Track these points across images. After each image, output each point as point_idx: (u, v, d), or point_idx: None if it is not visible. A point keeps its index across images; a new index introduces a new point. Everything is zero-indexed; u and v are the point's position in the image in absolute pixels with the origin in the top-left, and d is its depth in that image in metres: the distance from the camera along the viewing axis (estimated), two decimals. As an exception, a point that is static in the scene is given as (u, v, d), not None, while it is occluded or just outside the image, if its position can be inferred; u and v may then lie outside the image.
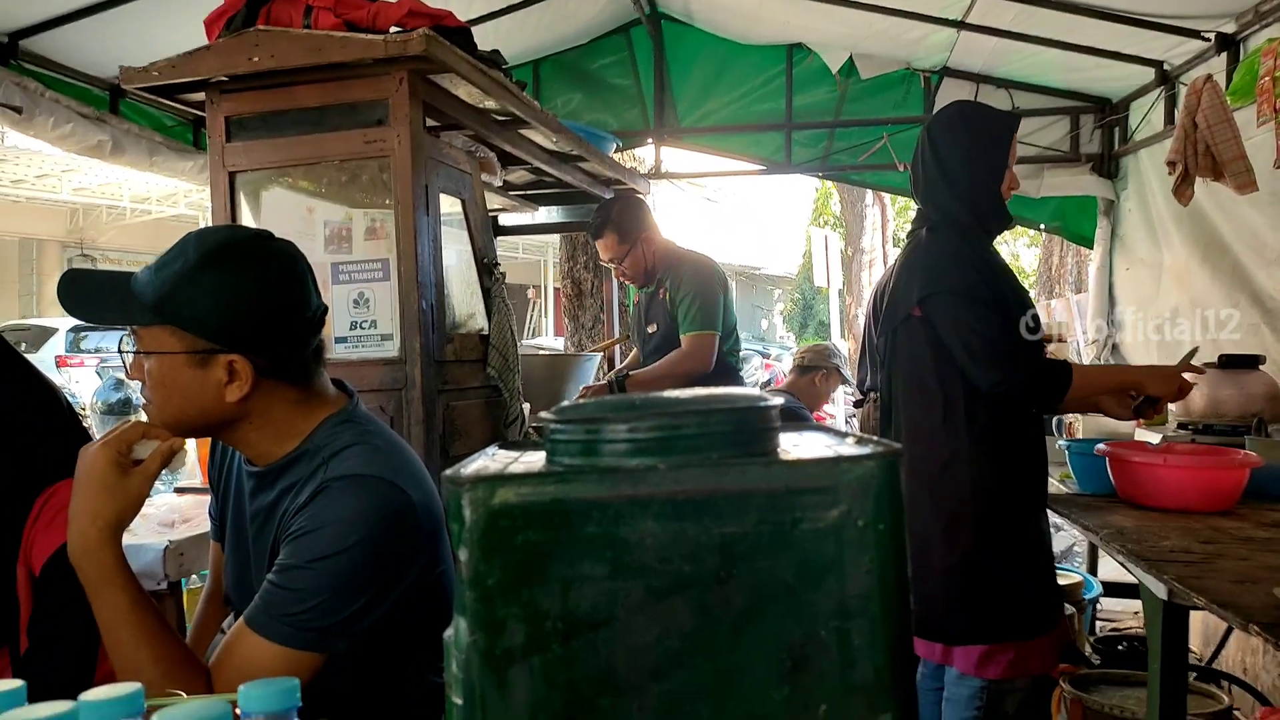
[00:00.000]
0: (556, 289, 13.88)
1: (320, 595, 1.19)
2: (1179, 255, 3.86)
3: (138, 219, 15.33)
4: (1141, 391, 2.00)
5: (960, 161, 2.08)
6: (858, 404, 2.53)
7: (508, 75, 2.68)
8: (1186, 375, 2.02)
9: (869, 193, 9.06)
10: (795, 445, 0.69)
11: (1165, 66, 3.77)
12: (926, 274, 2.05)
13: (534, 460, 0.70)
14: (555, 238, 10.66)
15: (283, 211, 2.52)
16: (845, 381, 4.32)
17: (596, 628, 0.58)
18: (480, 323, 2.80)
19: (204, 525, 2.43)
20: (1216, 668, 3.17)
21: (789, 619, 0.59)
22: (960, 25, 3.90)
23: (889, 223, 9.84)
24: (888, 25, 4.05)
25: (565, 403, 0.74)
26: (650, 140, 4.82)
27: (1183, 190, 2.97)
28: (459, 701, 0.59)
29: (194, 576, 2.39)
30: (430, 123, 2.70)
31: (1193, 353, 2.13)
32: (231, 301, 1.23)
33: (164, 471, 1.35)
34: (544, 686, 0.58)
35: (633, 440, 0.63)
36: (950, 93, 4.46)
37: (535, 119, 2.77)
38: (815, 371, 4.11)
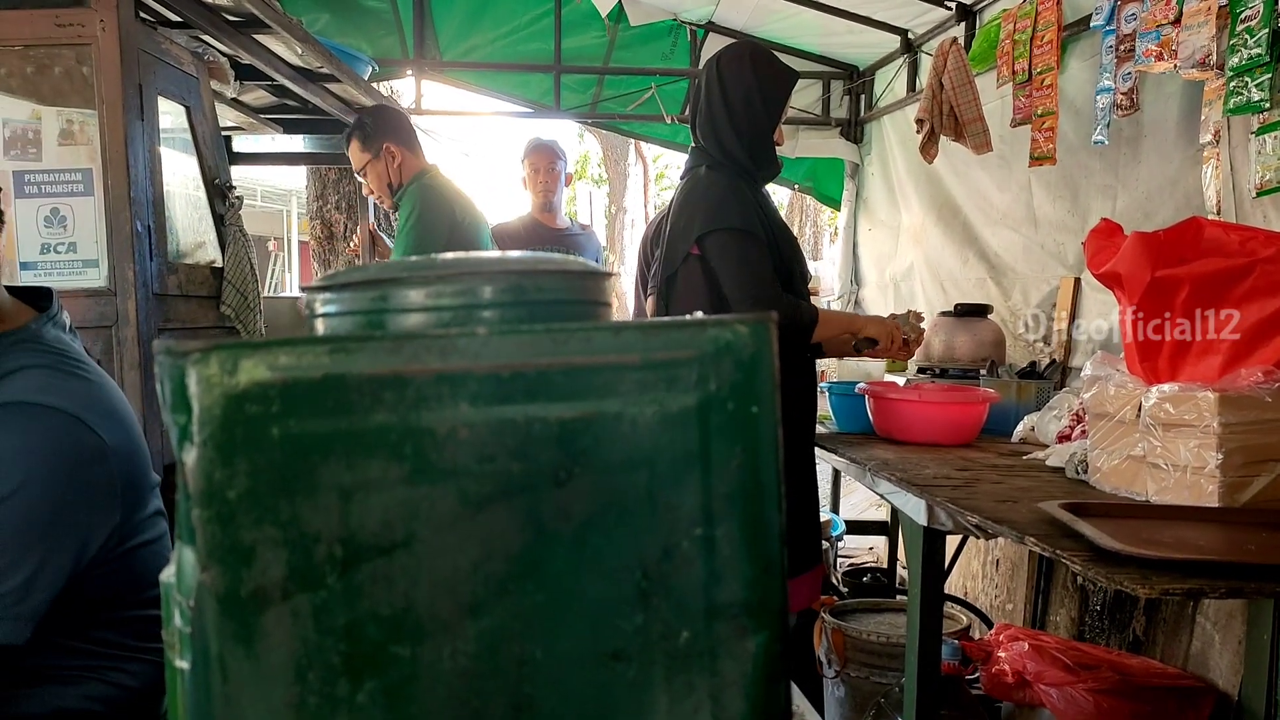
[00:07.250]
0: (302, 242, 12.86)
1: None
2: (916, 216, 4.16)
3: None
4: (860, 334, 2.18)
5: (745, 100, 2.05)
6: None
7: (243, -32, 2.32)
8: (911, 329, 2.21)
9: (632, 151, 9.11)
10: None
11: (910, 35, 4.01)
12: (708, 212, 2.00)
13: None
14: (300, 185, 9.78)
15: (-56, 104, 2.03)
16: None
17: (390, 552, 0.42)
18: (212, 254, 2.44)
19: None
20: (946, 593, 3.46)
21: (643, 529, 0.46)
22: (727, -24, 3.93)
23: (651, 183, 9.99)
24: (657, -30, 4.01)
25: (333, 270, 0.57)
26: (410, 72, 4.48)
27: (928, 148, 3.16)
28: (185, 666, 0.41)
29: None
30: (145, 18, 2.29)
31: (908, 314, 2.28)
32: None
33: None
34: (315, 635, 0.41)
35: (437, 308, 0.48)
36: (715, 48, 4.50)
37: (276, 22, 2.43)
38: None
